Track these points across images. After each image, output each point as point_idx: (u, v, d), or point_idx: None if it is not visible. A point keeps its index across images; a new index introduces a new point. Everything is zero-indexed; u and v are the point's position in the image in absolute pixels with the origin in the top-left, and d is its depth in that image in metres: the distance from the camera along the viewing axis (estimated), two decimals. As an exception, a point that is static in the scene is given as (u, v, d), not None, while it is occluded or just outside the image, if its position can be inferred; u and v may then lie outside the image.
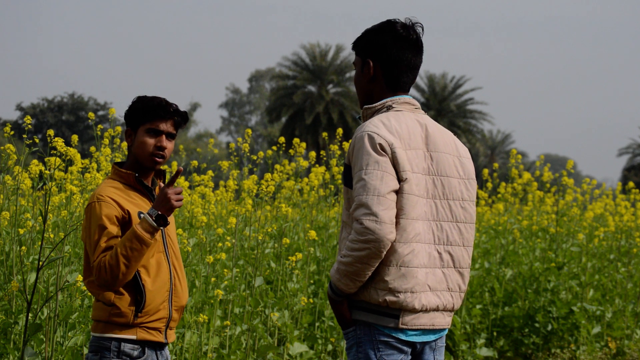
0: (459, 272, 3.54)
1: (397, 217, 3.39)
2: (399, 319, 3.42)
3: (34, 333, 5.08)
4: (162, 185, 3.84)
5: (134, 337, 3.73)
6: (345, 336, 3.54)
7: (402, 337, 3.45)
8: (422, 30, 3.61)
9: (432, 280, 3.46)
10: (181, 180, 8.29)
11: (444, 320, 3.53)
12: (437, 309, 3.49)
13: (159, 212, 3.68)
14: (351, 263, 3.37)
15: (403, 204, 3.40)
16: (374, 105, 3.59)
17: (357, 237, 3.34)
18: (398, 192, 3.40)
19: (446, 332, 3.63)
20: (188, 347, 6.51)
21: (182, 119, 3.87)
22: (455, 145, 3.61)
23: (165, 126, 3.83)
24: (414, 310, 3.43)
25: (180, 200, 3.72)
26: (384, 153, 3.39)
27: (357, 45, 3.64)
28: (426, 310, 3.46)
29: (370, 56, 3.60)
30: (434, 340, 3.57)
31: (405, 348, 3.47)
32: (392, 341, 3.45)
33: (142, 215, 3.74)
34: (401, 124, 3.49)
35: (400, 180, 3.40)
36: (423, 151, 3.51)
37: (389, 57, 3.57)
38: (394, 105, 3.56)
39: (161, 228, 3.70)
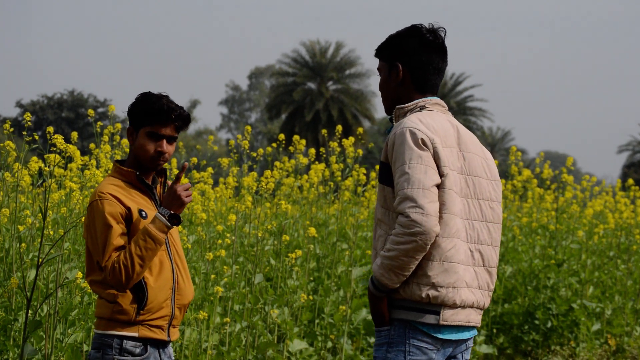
0: (488, 271, 3.56)
1: (440, 211, 3.40)
2: (440, 314, 3.42)
3: (33, 330, 5.08)
4: (168, 182, 3.84)
5: (136, 334, 3.73)
6: (377, 333, 3.53)
7: (439, 335, 3.45)
8: (445, 34, 3.64)
9: (467, 277, 3.47)
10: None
11: (477, 318, 3.55)
12: (472, 306, 3.50)
13: (171, 212, 3.70)
14: (397, 257, 3.36)
15: (445, 199, 3.42)
16: (406, 105, 3.60)
17: (404, 230, 3.34)
18: (439, 187, 3.41)
19: (475, 332, 3.64)
20: (188, 344, 6.51)
21: (184, 122, 3.84)
22: (481, 147, 3.65)
23: (167, 130, 3.81)
24: (454, 306, 3.44)
25: (190, 195, 3.75)
26: (425, 148, 3.42)
27: (382, 50, 3.66)
28: (464, 307, 3.47)
29: (398, 60, 3.61)
30: (466, 340, 3.58)
31: (435, 357, 3.47)
32: (425, 346, 3.45)
33: (144, 213, 3.74)
34: (436, 122, 3.52)
35: (441, 175, 3.43)
36: (457, 150, 3.53)
37: (417, 61, 3.59)
38: (426, 105, 3.59)
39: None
